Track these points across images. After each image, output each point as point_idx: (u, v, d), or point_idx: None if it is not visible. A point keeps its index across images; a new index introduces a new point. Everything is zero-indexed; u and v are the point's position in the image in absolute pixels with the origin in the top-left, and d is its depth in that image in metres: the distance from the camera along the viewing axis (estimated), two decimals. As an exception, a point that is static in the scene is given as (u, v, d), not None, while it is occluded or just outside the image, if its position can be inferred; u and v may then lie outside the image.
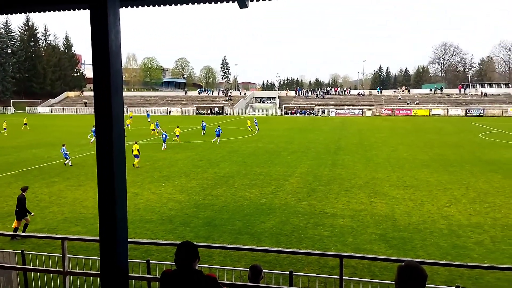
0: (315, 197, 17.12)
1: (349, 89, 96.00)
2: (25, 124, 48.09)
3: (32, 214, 13.14)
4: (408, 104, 78.34)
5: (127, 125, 48.03)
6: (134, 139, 29.72)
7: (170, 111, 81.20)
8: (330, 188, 18.66)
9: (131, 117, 57.32)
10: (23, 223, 12.77)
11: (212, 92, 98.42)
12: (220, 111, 79.78)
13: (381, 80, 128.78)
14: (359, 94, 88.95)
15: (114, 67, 3.53)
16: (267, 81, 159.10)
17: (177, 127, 37.11)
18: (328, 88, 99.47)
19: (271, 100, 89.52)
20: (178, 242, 4.03)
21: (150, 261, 8.28)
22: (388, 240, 12.17)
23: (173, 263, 3.95)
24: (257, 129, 45.98)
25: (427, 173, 21.77)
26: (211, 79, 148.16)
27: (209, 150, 30.56)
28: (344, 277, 4.95)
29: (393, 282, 3.27)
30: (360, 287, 7.99)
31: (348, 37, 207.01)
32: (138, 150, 23.93)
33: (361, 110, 75.89)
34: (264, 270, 6.11)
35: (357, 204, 15.96)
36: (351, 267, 9.92)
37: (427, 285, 3.15)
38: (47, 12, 4.95)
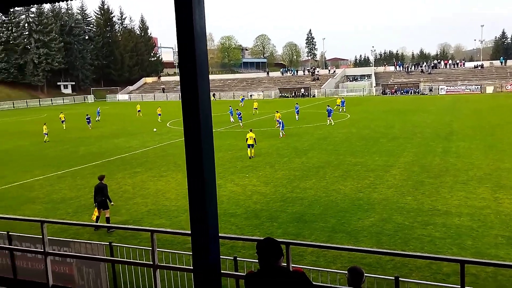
0: (423, 191, 16.43)
1: (463, 61, 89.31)
2: (139, 111, 53.31)
3: (112, 203, 14.32)
4: (542, 76, 70.64)
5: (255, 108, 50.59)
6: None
7: (251, 95, 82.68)
8: (441, 180, 17.75)
9: (241, 99, 61.38)
10: (102, 214, 13.98)
11: (297, 72, 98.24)
12: (306, 93, 79.37)
13: (505, 48, 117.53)
14: (476, 66, 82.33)
15: (199, 49, 3.69)
16: (361, 56, 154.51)
17: (277, 112, 37.59)
18: (436, 61, 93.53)
19: (366, 78, 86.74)
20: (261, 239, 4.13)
21: (237, 258, 8.65)
22: (519, 245, 11.24)
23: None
24: (342, 110, 47.23)
25: None
26: (295, 57, 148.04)
27: (295, 138, 30.70)
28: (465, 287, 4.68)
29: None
30: (484, 300, 7.52)
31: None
32: (254, 139, 24.14)
33: (479, 86, 70.20)
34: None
35: (477, 201, 15.02)
36: (471, 275, 9.36)
37: None
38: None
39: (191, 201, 3.86)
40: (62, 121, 43.30)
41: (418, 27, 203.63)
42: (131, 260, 7.88)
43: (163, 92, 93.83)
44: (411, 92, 74.00)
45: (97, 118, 48.36)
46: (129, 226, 11.07)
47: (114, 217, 14.79)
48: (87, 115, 43.28)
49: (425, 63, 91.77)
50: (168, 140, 31.95)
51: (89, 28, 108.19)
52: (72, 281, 9.55)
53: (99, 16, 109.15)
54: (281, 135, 31.00)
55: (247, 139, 24.35)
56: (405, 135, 29.44)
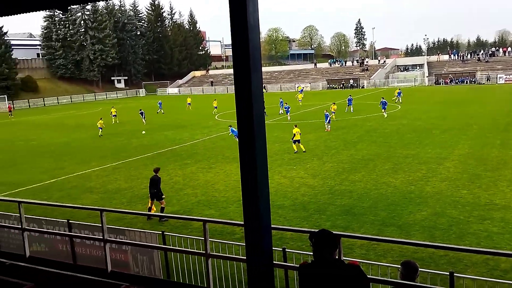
0: (480, 184, 15.80)
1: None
2: (189, 103, 54.77)
3: (163, 196, 14.71)
4: None
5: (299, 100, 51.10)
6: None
7: (298, 87, 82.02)
8: (499, 174, 17.00)
9: (300, 90, 60.79)
10: (158, 205, 14.50)
11: (345, 63, 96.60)
12: (355, 84, 77.80)
13: None
14: (538, 53, 77.49)
15: (253, 42, 3.72)
16: (412, 45, 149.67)
17: (333, 103, 37.06)
18: (494, 49, 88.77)
19: (418, 67, 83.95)
20: (314, 231, 4.12)
21: (286, 249, 8.70)
22: None
23: (310, 253, 4.07)
24: (399, 101, 45.70)
25: None
26: (343, 47, 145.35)
27: (344, 130, 30.27)
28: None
29: None
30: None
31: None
32: (300, 133, 23.75)
33: (541, 74, 66.05)
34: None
35: (539, 195, 14.20)
36: (532, 273, 8.92)
37: None
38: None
39: (244, 193, 3.90)
40: (114, 115, 44.70)
41: (475, 13, 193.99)
42: (184, 249, 8.13)
43: (211, 85, 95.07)
44: (467, 81, 70.81)
45: (158, 111, 50.22)
46: (182, 216, 11.42)
47: (165, 207, 15.25)
48: (140, 109, 43.90)
49: (482, 51, 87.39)
50: (216, 133, 32.43)
51: (141, 24, 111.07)
52: (128, 267, 9.96)
53: (150, 11, 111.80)
54: (328, 129, 30.17)
55: (294, 135, 23.64)
56: (460, 127, 28.28)
